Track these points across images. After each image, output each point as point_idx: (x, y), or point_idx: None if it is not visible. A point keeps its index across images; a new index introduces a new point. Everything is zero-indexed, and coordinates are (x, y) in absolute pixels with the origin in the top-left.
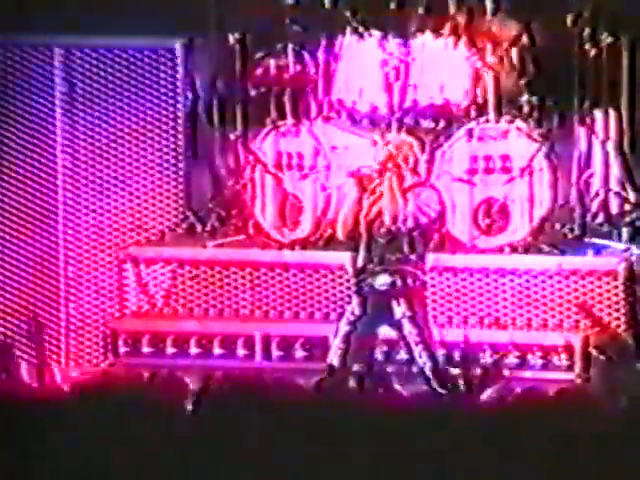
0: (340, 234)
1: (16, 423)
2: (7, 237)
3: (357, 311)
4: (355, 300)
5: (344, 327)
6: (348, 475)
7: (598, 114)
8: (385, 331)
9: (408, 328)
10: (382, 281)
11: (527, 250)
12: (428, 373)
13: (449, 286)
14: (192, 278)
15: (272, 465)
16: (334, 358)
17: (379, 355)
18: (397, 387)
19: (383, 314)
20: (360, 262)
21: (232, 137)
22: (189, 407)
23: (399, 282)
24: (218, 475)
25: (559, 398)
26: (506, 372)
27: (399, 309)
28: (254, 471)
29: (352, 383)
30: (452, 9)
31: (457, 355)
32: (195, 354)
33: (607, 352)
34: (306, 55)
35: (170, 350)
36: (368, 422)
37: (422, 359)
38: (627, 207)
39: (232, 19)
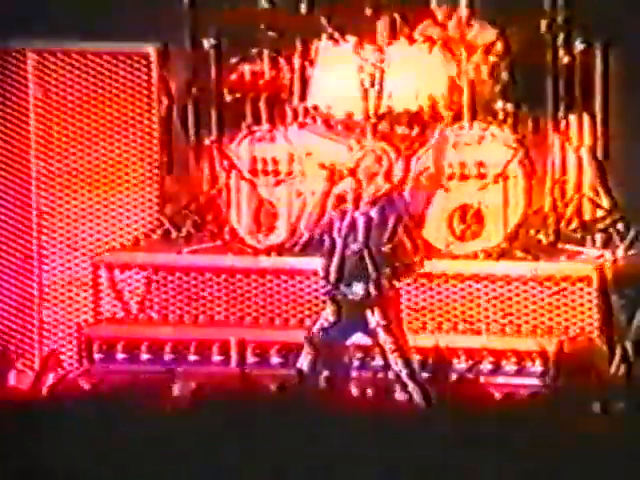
0: (303, 228)
1: None
2: None
3: (331, 318)
4: (329, 307)
5: (317, 334)
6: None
7: (572, 120)
8: (359, 339)
9: (383, 337)
10: (356, 290)
11: (501, 256)
12: (405, 379)
13: (424, 292)
14: (166, 284)
15: (249, 467)
16: (304, 363)
17: (354, 362)
18: (370, 393)
19: (357, 322)
20: (333, 272)
21: (207, 142)
22: (166, 412)
23: (373, 291)
24: (195, 475)
25: (532, 403)
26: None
27: (373, 318)
28: (232, 473)
29: (322, 387)
30: (427, 16)
31: (431, 361)
32: (170, 360)
33: (581, 358)
34: (281, 61)
35: (145, 356)
36: (341, 426)
37: (398, 366)
38: (600, 213)
39: (207, 24)
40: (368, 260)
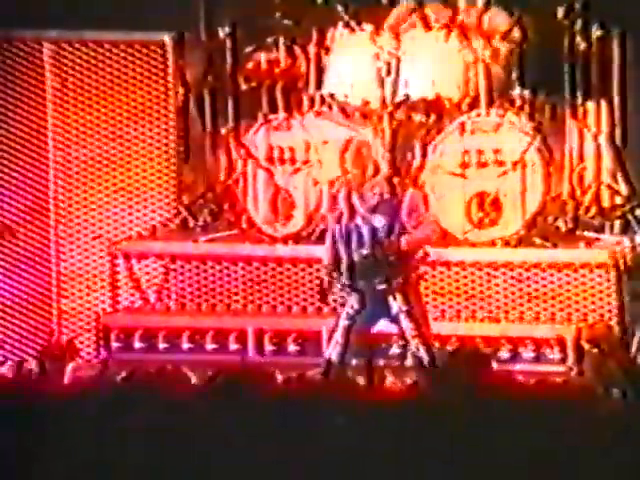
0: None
1: (8, 417)
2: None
3: (356, 305)
4: (353, 295)
5: (344, 321)
6: (341, 469)
7: (590, 107)
8: (383, 326)
9: (405, 322)
10: (380, 277)
11: (519, 243)
12: (425, 365)
13: (442, 280)
14: (184, 273)
15: (265, 458)
16: (332, 352)
17: (377, 349)
18: (391, 380)
19: (381, 309)
20: (344, 272)
21: (223, 131)
22: (184, 401)
23: (392, 279)
24: (212, 467)
25: (551, 390)
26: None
27: (395, 304)
28: (248, 464)
29: (349, 377)
30: (444, 3)
31: (452, 348)
32: (187, 349)
33: (599, 345)
34: (297, 49)
35: (162, 345)
36: (363, 416)
37: (419, 352)
38: (619, 200)
39: (222, 13)
40: (378, 260)
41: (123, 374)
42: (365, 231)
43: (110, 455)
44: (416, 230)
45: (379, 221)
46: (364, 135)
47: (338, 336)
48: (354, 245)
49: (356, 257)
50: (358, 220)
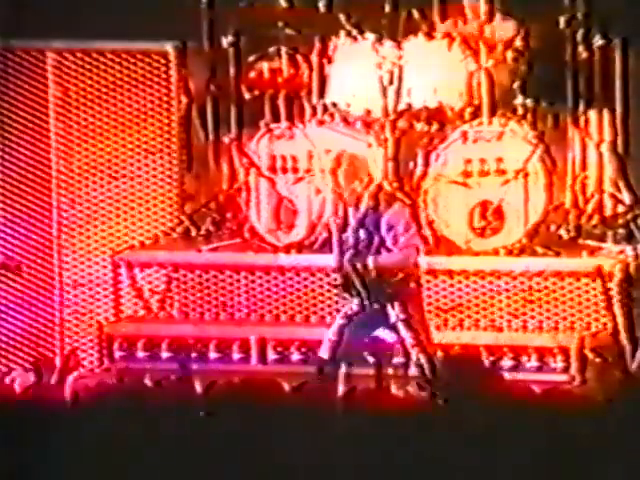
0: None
1: (12, 427)
2: (2, 242)
3: (355, 308)
4: (355, 299)
5: (339, 320)
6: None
7: (592, 115)
8: (382, 333)
9: (404, 331)
10: (379, 284)
11: (522, 252)
12: (426, 375)
13: (444, 289)
14: (186, 282)
15: (269, 464)
16: (325, 351)
17: (374, 358)
18: (393, 390)
19: (379, 317)
20: (353, 268)
21: (226, 140)
22: (187, 410)
23: (391, 288)
24: (217, 476)
25: (555, 399)
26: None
27: (393, 313)
28: (253, 471)
29: (342, 385)
30: (445, 11)
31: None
32: (190, 358)
33: (602, 354)
34: (300, 58)
35: (165, 354)
36: (362, 424)
37: (419, 361)
38: (621, 209)
39: (225, 23)
40: (375, 269)
41: (126, 382)
42: (357, 241)
43: (113, 464)
44: (395, 248)
45: (362, 235)
46: (356, 147)
47: (331, 334)
48: (351, 253)
49: (354, 264)
50: (350, 230)
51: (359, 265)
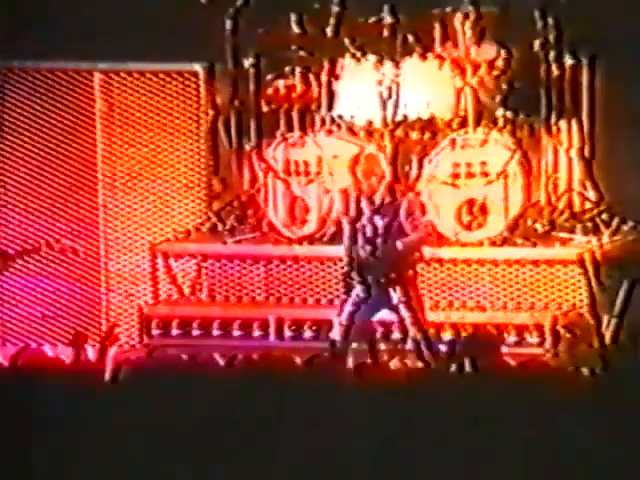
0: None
1: (55, 399)
2: (58, 237)
3: (362, 295)
4: (361, 286)
5: (349, 307)
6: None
7: (563, 125)
8: (385, 314)
9: (404, 312)
10: (382, 271)
11: (503, 243)
12: (423, 349)
13: (436, 275)
14: (214, 270)
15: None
16: (337, 334)
17: (379, 335)
18: (391, 363)
19: (383, 300)
20: (358, 258)
21: (247, 148)
22: (214, 381)
23: (393, 274)
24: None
25: (531, 369)
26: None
27: (396, 296)
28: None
29: (351, 361)
30: (438, 35)
31: (445, 334)
32: (217, 336)
33: (572, 330)
34: (311, 76)
35: (196, 332)
36: (366, 395)
37: (417, 338)
38: (588, 205)
39: (247, 46)
40: (380, 257)
41: (163, 357)
42: (369, 230)
43: (148, 424)
44: (413, 232)
45: (380, 222)
46: (371, 149)
47: (343, 319)
48: (360, 243)
49: (362, 253)
50: (364, 221)
51: (368, 253)
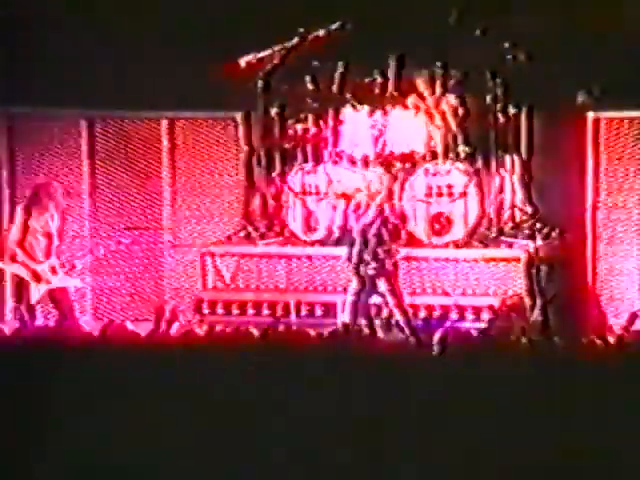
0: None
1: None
2: (127, 242)
3: (357, 285)
4: (355, 279)
5: (350, 297)
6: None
7: (507, 158)
8: (375, 299)
9: (389, 298)
10: (372, 266)
11: (464, 245)
12: (403, 326)
13: (413, 269)
14: (248, 265)
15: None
16: (346, 317)
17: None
18: (381, 335)
19: (373, 288)
20: (355, 256)
21: (274, 175)
22: (250, 348)
23: (380, 268)
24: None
25: (483, 340)
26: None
27: (382, 284)
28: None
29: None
30: (415, 92)
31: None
32: (252, 314)
33: (515, 310)
34: (321, 122)
35: (235, 312)
36: (367, 360)
37: (399, 317)
38: (525, 217)
39: (273, 98)
40: (373, 252)
41: (211, 330)
42: (362, 237)
43: (199, 380)
44: (387, 257)
45: (371, 231)
46: (358, 179)
47: (348, 307)
48: (357, 245)
49: (356, 253)
50: (359, 229)
51: (361, 254)
